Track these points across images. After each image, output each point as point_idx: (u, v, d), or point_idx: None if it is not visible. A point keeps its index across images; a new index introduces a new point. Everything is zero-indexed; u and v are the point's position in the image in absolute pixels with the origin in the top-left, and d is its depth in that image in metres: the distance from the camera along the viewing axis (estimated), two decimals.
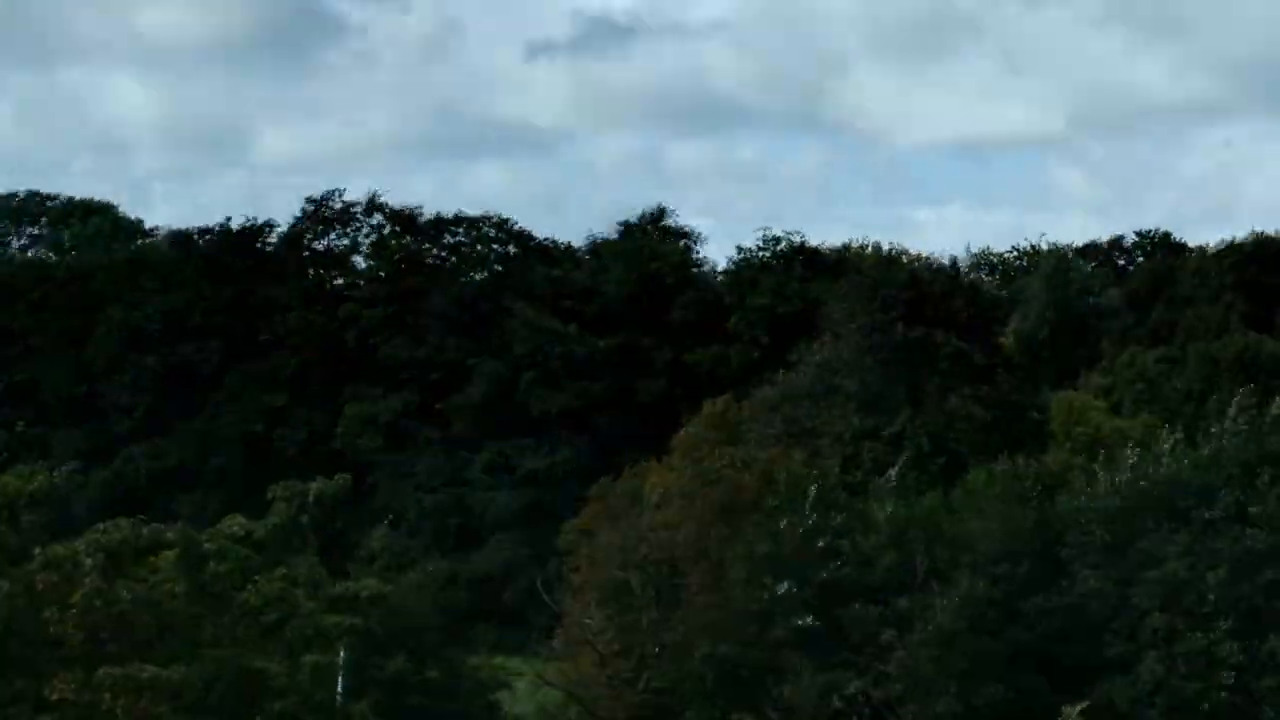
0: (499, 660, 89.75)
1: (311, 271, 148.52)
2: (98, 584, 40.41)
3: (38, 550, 42.03)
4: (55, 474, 44.27)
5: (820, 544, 77.91)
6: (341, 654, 46.47)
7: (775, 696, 76.35)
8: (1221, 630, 74.16)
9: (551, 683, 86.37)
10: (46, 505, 43.48)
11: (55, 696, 39.15)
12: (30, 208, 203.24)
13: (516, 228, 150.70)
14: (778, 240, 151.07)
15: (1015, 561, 76.59)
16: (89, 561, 40.87)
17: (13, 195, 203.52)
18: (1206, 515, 76.70)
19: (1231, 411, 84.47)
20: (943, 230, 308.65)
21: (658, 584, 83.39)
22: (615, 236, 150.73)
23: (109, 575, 40.73)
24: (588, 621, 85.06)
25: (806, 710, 75.54)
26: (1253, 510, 76.43)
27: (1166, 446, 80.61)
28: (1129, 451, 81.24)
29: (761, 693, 76.78)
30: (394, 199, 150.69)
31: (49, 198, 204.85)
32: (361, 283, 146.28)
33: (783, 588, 77.41)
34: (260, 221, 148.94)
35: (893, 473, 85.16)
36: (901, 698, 74.92)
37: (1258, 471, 77.71)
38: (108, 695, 38.63)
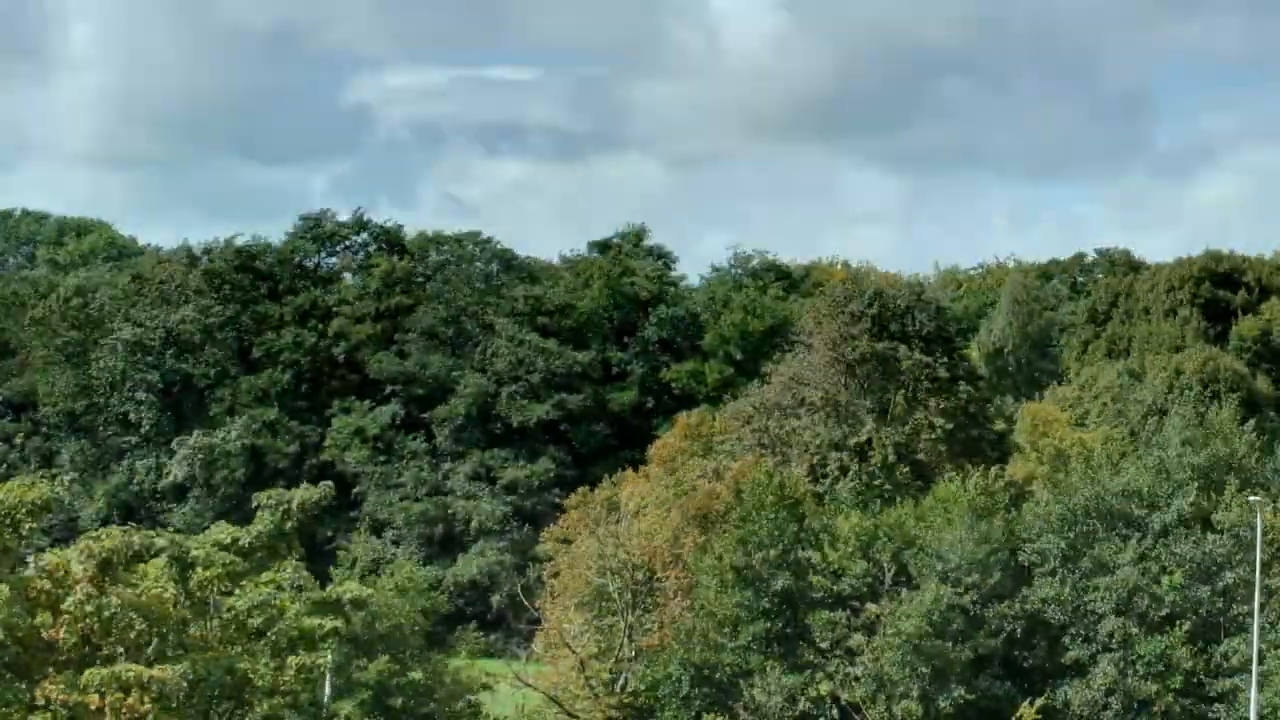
0: (480, 663, 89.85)
1: (303, 288, 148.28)
2: (88, 590, 40.44)
3: (31, 557, 42.14)
4: (56, 482, 44.16)
5: (788, 552, 78.05)
6: (328, 656, 46.48)
7: (747, 698, 76.44)
8: (1177, 634, 74.38)
9: (531, 684, 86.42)
10: (47, 513, 43.41)
11: (45, 698, 39.16)
12: (26, 225, 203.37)
13: (498, 246, 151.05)
14: (749, 258, 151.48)
15: (982, 570, 76.73)
16: (80, 569, 40.91)
17: (9, 213, 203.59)
18: (1164, 520, 76.95)
19: (1176, 421, 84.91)
20: None
21: (634, 589, 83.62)
22: (592, 254, 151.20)
23: (99, 582, 40.79)
24: (566, 626, 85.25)
25: (775, 711, 75.65)
26: (1216, 517, 76.58)
27: (1115, 456, 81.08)
28: (1081, 463, 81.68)
29: (733, 694, 76.90)
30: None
31: (43, 216, 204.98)
32: (350, 300, 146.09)
33: (750, 595, 77.61)
34: (259, 240, 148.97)
35: (844, 483, 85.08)
36: (867, 700, 75.06)
37: (1223, 479, 77.86)
38: (96, 696, 38.67)
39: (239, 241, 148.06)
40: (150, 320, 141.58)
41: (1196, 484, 77.74)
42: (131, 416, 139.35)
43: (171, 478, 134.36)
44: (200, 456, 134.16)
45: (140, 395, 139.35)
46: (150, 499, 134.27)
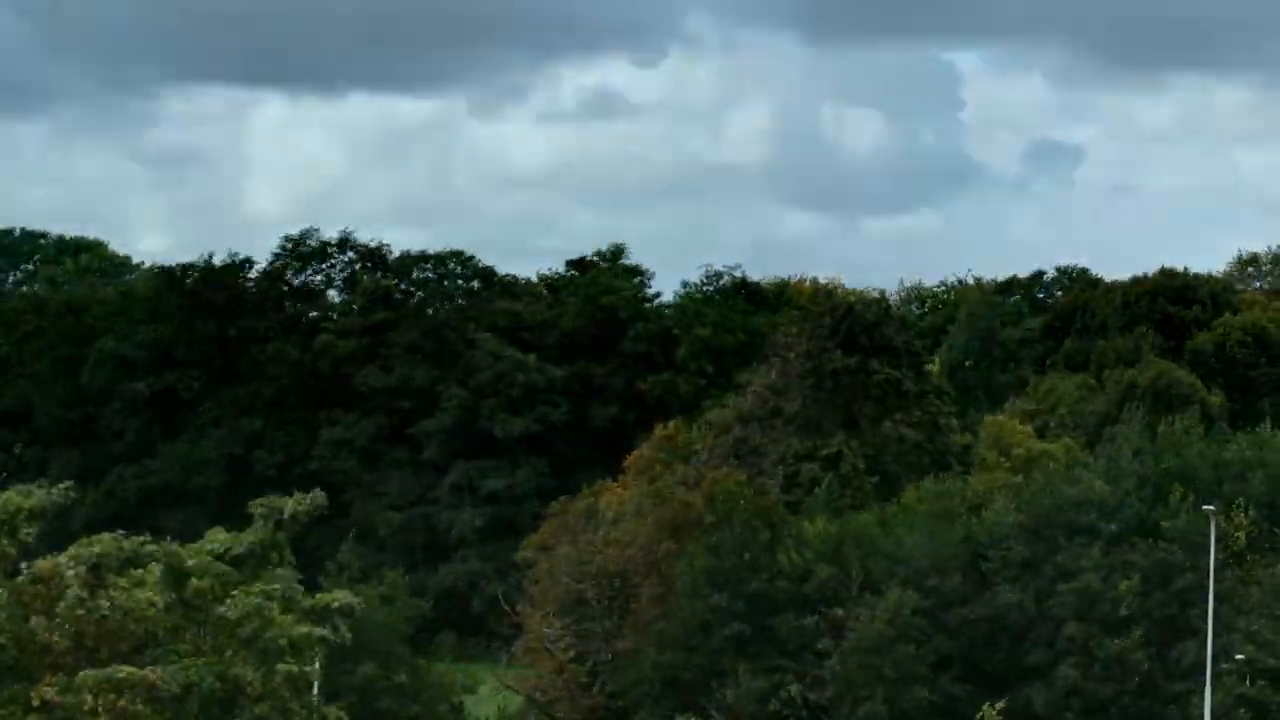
0: (463, 667, 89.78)
1: (289, 305, 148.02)
2: (79, 595, 40.34)
3: (25, 565, 42.02)
4: (53, 490, 43.97)
5: (760, 556, 78.07)
6: (317, 664, 46.18)
7: (719, 700, 76.42)
8: (1134, 638, 74.41)
9: (512, 688, 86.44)
10: (44, 520, 43.31)
11: (39, 700, 39.07)
12: (24, 244, 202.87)
13: (480, 264, 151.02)
14: (719, 275, 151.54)
15: (943, 575, 76.77)
16: (71, 574, 40.82)
17: (8, 232, 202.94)
18: (1120, 527, 77.00)
19: (1126, 431, 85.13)
20: None
21: (611, 596, 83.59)
22: (570, 272, 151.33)
23: (91, 586, 40.72)
24: (546, 631, 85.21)
25: (747, 712, 75.62)
26: (1165, 525, 76.63)
27: (1073, 466, 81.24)
28: (1038, 473, 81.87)
29: (706, 696, 76.84)
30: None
31: (41, 235, 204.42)
32: (335, 315, 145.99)
33: (721, 599, 77.57)
34: (241, 258, 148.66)
35: (818, 490, 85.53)
36: (834, 702, 75.03)
37: (1169, 488, 77.94)
38: (89, 696, 38.57)
39: (217, 260, 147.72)
40: (134, 334, 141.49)
41: (1148, 492, 77.87)
42: (118, 426, 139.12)
43: (159, 485, 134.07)
44: (187, 465, 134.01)
45: (126, 406, 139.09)
46: (139, 505, 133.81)
